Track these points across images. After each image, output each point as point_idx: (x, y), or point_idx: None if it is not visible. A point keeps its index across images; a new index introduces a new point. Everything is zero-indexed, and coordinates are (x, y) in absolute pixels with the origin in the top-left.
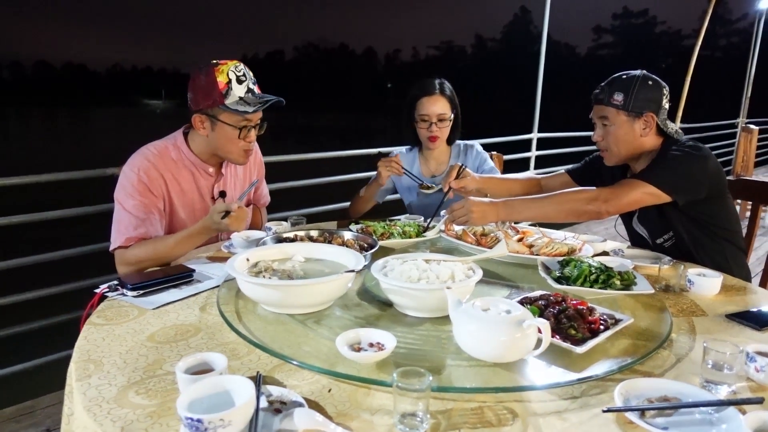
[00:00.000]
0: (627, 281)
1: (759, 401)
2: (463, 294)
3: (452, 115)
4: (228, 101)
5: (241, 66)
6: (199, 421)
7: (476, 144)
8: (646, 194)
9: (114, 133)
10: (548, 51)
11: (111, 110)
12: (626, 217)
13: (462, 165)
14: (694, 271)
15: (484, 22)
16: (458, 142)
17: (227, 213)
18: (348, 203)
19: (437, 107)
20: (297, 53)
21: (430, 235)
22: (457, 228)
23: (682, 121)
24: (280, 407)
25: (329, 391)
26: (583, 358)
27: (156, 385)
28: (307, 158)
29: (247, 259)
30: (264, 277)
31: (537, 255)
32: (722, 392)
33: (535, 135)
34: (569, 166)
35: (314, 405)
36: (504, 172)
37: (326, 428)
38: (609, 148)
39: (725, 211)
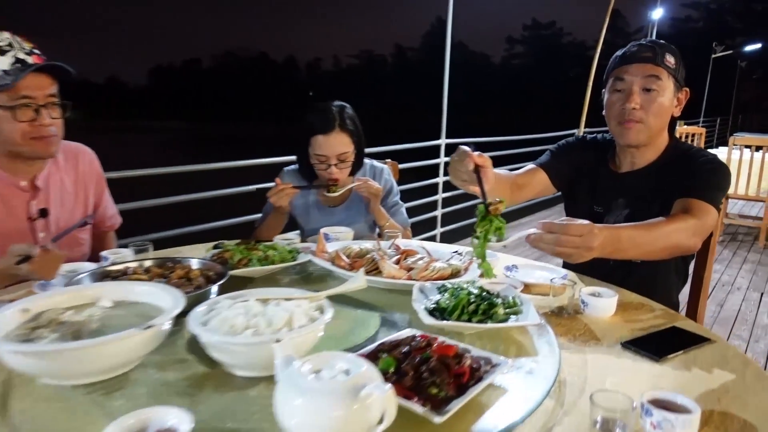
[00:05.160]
0: (512, 308)
1: None
2: (301, 346)
3: (355, 150)
4: None
5: (6, 35)
6: None
7: (386, 169)
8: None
9: None
10: (465, 60)
11: None
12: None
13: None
14: (588, 291)
15: (403, 32)
16: (365, 162)
17: (28, 257)
18: (230, 220)
19: (337, 146)
20: (215, 62)
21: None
22: (330, 249)
23: (585, 126)
24: None
25: None
26: (448, 426)
27: None
28: (181, 171)
29: (26, 310)
30: (41, 335)
31: (415, 280)
32: None
33: (443, 141)
34: (539, 160)
35: None
36: (401, 179)
37: None
38: (646, 119)
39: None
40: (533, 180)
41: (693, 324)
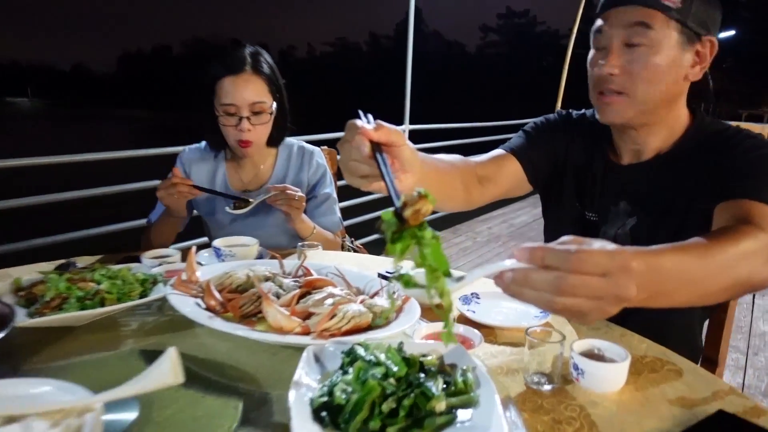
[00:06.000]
0: (461, 396)
1: None
2: None
3: (274, 105)
4: None
5: None
6: None
7: (317, 151)
8: None
9: None
10: (439, 49)
11: None
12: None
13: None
14: (582, 348)
15: (377, 20)
16: (290, 141)
17: None
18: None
19: (249, 92)
20: (185, 48)
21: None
22: (204, 277)
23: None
24: None
25: None
26: None
27: None
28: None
29: None
30: None
31: (311, 335)
32: None
33: (406, 127)
34: (509, 144)
35: None
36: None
37: None
38: (631, 89)
39: None
40: (501, 171)
41: (746, 400)
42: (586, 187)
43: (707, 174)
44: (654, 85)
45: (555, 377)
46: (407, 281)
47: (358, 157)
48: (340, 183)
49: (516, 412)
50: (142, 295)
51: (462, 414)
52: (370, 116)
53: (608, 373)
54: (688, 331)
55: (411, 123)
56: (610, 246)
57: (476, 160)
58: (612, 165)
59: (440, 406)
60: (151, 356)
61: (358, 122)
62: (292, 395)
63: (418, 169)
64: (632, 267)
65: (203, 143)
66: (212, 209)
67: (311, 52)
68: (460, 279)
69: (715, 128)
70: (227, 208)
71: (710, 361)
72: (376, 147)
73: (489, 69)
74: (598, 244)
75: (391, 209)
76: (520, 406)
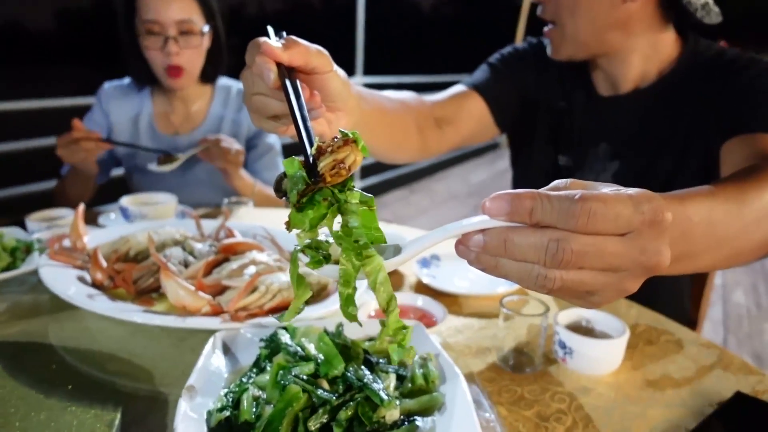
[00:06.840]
0: (420, 397)
1: None
2: None
3: (207, 28)
4: None
5: None
6: None
7: None
8: None
9: None
10: (393, 6)
11: None
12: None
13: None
14: (568, 320)
15: None
16: (227, 83)
17: None
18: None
19: (175, 8)
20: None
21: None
22: (90, 243)
23: None
24: None
25: None
26: None
27: None
28: None
29: None
30: None
31: (224, 315)
32: None
33: (360, 79)
34: (472, 79)
35: None
36: None
37: None
38: (560, 18)
39: None
40: (463, 111)
41: (760, 376)
42: (562, 126)
43: (706, 105)
44: (574, 12)
45: (536, 358)
46: (317, 256)
47: (262, 88)
48: None
49: (490, 406)
50: (9, 268)
51: (423, 422)
52: (283, 33)
53: (602, 351)
54: (677, 294)
55: (365, 74)
56: (629, 190)
57: (433, 99)
58: (592, 98)
59: (392, 414)
60: (14, 349)
61: (262, 40)
62: (181, 406)
63: (355, 108)
64: (666, 221)
65: (126, 79)
66: (133, 155)
67: (262, 8)
68: (397, 251)
69: (710, 53)
70: (151, 166)
71: (690, 320)
72: (287, 73)
73: (444, 27)
74: (610, 189)
75: (305, 158)
76: (495, 398)
